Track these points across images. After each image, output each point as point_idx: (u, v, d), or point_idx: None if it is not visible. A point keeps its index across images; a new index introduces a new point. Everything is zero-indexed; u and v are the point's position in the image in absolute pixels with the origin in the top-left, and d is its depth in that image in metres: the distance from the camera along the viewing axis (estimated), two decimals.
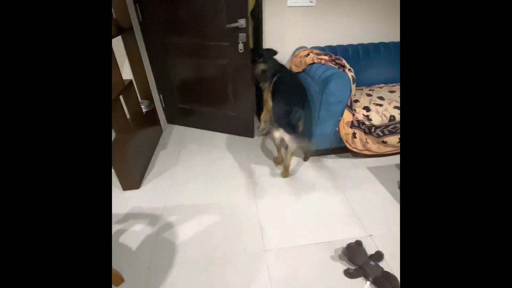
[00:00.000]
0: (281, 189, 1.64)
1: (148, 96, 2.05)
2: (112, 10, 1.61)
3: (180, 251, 1.26)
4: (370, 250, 1.21)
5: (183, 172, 1.80)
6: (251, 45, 1.65)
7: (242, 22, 1.57)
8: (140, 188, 1.66)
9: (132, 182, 1.63)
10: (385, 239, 1.30)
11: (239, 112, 2.05)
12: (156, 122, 2.15)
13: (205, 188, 1.66)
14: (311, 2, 1.96)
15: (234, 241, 1.30)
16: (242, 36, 1.63)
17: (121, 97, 1.62)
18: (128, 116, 1.78)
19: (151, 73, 2.10)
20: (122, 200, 1.57)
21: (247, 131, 2.13)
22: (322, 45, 2.08)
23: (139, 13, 1.83)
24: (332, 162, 1.86)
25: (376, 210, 1.47)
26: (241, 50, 1.70)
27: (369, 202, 1.52)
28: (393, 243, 1.27)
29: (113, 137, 1.62)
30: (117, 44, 1.76)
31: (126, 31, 1.72)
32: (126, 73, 1.89)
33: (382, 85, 2.17)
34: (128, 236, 1.34)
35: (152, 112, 2.07)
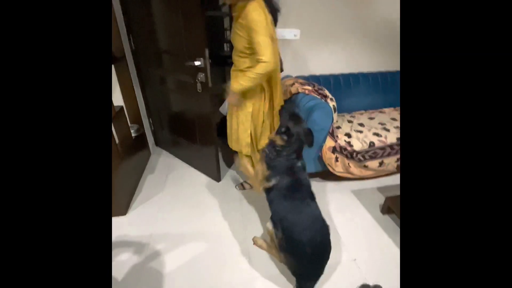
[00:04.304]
0: (268, 214, 1.66)
1: (138, 121, 2.09)
2: None
3: (167, 282, 1.24)
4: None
5: (171, 197, 1.80)
6: (210, 85, 1.55)
7: (200, 62, 1.51)
8: (126, 215, 1.64)
9: (119, 208, 1.62)
10: (368, 264, 1.34)
11: (204, 156, 1.94)
12: (145, 145, 2.17)
13: (193, 214, 1.66)
14: (295, 36, 2.11)
15: (222, 270, 1.30)
16: (201, 75, 1.55)
17: None
18: (117, 141, 1.80)
19: (142, 98, 2.14)
20: None
21: (213, 175, 1.98)
22: (306, 75, 2.22)
23: (132, 42, 1.90)
24: (317, 184, 1.92)
25: (360, 234, 1.52)
26: (199, 90, 1.62)
27: (353, 226, 1.57)
28: (376, 268, 1.31)
29: None
30: None
31: (118, 60, 1.78)
32: (117, 99, 1.92)
33: (362, 111, 2.32)
34: (113, 266, 1.31)
35: (141, 136, 2.09)
